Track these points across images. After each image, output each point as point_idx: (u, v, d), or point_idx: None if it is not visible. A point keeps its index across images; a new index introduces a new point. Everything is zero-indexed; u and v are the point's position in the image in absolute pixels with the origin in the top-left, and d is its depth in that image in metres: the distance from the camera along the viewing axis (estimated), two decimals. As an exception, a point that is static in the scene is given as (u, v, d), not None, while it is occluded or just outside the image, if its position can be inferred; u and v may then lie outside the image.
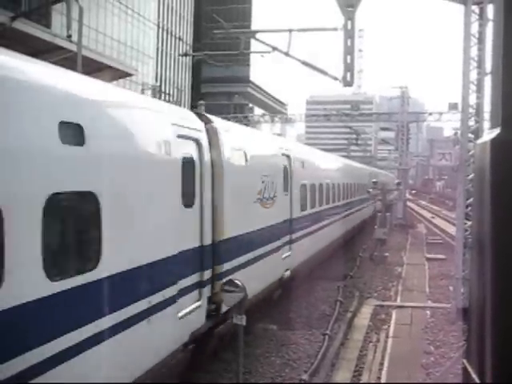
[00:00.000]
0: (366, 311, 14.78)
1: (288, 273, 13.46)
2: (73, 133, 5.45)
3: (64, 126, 5.32)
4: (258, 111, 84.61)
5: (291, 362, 10.59)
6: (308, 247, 15.76)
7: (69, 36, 18.28)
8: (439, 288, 18.00)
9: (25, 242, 4.85)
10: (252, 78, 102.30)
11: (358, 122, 55.55)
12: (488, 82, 15.53)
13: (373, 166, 56.55)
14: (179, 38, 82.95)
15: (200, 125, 8.97)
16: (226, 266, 9.11)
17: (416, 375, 10.06)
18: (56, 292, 5.11)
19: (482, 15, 13.73)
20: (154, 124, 7.48)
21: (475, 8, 13.70)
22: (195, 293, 8.15)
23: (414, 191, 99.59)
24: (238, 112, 54.47)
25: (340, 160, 27.94)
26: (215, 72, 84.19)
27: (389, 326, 13.30)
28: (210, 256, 8.65)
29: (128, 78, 30.03)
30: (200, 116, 9.36)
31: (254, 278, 10.45)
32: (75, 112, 5.64)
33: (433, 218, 48.51)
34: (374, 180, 29.84)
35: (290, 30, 15.65)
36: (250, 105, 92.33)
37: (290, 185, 13.76)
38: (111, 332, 5.88)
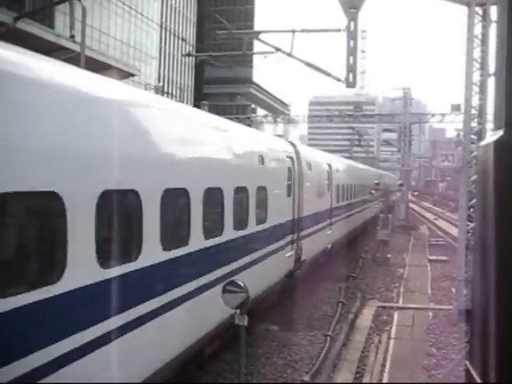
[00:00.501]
0: (368, 312, 14.75)
1: (330, 245, 19.20)
2: (260, 159, 11.46)
3: (261, 156, 11.62)
4: (260, 112, 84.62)
5: (293, 363, 10.59)
6: (341, 228, 21.78)
7: (72, 36, 18.32)
8: (441, 290, 17.98)
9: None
10: (255, 78, 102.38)
11: (361, 123, 55.55)
12: (491, 83, 15.52)
13: (375, 167, 56.48)
14: (182, 39, 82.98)
15: (292, 148, 14.85)
16: (302, 233, 14.81)
17: (418, 377, 10.06)
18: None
19: (485, 17, 13.72)
20: (279, 151, 13.72)
21: (478, 9, 13.70)
22: (290, 246, 13.85)
23: (416, 193, 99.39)
24: (240, 113, 54.47)
25: (357, 165, 34.31)
26: (218, 73, 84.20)
27: (391, 328, 13.29)
28: (296, 226, 14.27)
29: (131, 78, 30.05)
30: (291, 143, 15.55)
31: (315, 244, 16.58)
32: (263, 148, 12.26)
33: (435, 219, 48.44)
34: (377, 181, 29.82)
35: (293, 31, 15.66)
36: (253, 105, 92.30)
37: (331, 184, 19.59)
38: (263, 256, 11.23)
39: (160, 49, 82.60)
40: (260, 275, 10.99)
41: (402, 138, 41.73)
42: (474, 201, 13.95)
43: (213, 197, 8.51)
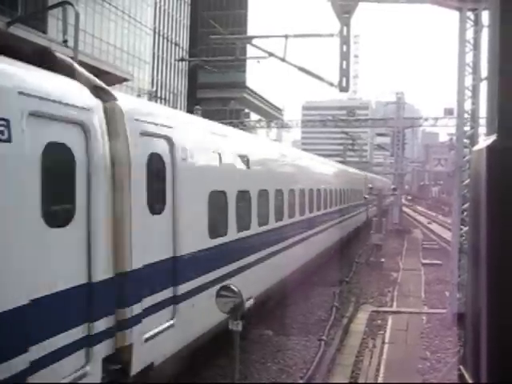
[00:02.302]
0: (362, 317, 14.75)
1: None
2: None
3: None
4: (253, 117, 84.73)
5: (287, 368, 10.57)
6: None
7: (65, 41, 18.20)
8: (435, 293, 18.01)
9: None
10: (248, 83, 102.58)
11: (354, 127, 55.69)
12: (483, 87, 15.60)
13: (368, 171, 56.62)
14: (175, 44, 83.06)
15: (365, 174, 31.39)
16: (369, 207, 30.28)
17: (412, 380, 10.05)
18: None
19: (477, 21, 13.79)
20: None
21: (470, 14, 13.77)
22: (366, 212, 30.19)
23: (410, 197, 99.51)
24: (234, 117, 54.49)
25: (351, 170, 35.14)
26: (211, 77, 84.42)
27: (385, 332, 13.29)
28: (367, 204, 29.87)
29: (124, 83, 30.00)
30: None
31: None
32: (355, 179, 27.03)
33: (429, 223, 48.58)
34: (370, 186, 29.88)
35: (286, 36, 15.70)
36: (246, 110, 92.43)
37: (365, 190, 27.06)
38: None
39: (153, 54, 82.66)
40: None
41: (395, 143, 41.87)
42: (467, 205, 14.02)
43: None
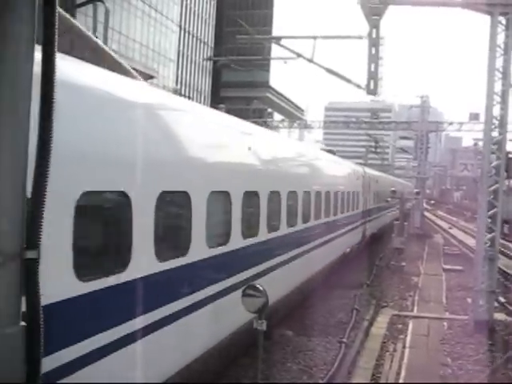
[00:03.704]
0: (383, 320, 14.69)
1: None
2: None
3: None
4: (277, 116, 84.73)
5: (308, 369, 10.58)
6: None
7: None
8: (456, 300, 17.88)
9: None
10: (271, 83, 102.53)
11: (377, 129, 55.41)
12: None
13: (390, 174, 56.29)
14: (201, 42, 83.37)
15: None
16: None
17: (433, 387, 10.01)
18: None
19: (508, 26, 13.67)
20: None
21: (502, 19, 13.65)
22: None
23: (433, 201, 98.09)
24: (257, 116, 54.56)
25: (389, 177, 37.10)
26: (235, 76, 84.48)
27: (405, 336, 13.22)
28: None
29: (149, 80, 30.23)
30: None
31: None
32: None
33: (450, 228, 48.15)
34: (393, 189, 29.75)
35: (315, 37, 15.69)
36: (269, 110, 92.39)
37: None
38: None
39: (178, 52, 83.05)
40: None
41: (418, 146, 41.56)
42: (493, 211, 13.90)
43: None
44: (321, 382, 9.72)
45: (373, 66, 14.03)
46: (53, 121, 2.41)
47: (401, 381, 10.22)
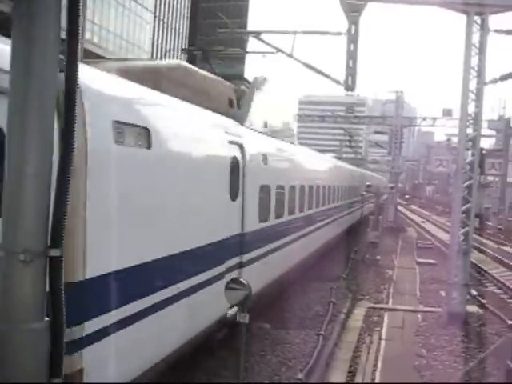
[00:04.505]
0: (359, 313, 14.95)
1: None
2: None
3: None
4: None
5: (286, 361, 10.72)
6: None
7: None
8: (430, 292, 18.23)
9: None
10: (246, 75, 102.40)
11: (352, 124, 55.86)
12: (487, 91, 15.79)
13: (363, 168, 56.81)
14: (175, 33, 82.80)
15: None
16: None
17: (409, 377, 10.24)
18: None
19: (483, 26, 13.95)
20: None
21: (477, 18, 13.91)
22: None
23: (407, 196, 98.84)
24: (232, 110, 54.40)
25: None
26: (209, 68, 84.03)
27: (381, 328, 13.48)
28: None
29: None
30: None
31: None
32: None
33: (422, 222, 48.93)
34: (368, 183, 30.08)
35: (295, 32, 15.80)
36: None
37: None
38: None
39: (152, 43, 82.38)
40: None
41: (392, 141, 42.07)
42: (467, 206, 14.22)
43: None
44: (300, 374, 9.85)
45: (351, 62, 14.18)
46: (75, 126, 2.48)
47: (378, 371, 10.44)
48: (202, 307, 8.06)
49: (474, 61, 13.99)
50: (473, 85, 14.09)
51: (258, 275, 10.81)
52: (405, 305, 16.06)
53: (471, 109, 14.18)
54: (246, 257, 10.13)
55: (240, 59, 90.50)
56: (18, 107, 2.34)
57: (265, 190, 11.48)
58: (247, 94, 13.00)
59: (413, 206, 78.97)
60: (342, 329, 13.28)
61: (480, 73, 14.03)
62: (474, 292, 16.71)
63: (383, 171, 60.42)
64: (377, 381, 10.03)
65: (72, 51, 2.53)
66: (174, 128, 7.42)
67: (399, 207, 51.31)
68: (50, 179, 2.39)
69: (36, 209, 2.33)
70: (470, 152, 14.52)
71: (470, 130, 14.30)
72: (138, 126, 6.08)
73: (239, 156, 9.76)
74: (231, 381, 8.52)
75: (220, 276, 8.64)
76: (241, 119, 11.03)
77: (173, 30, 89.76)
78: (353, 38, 14.06)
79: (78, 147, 2.89)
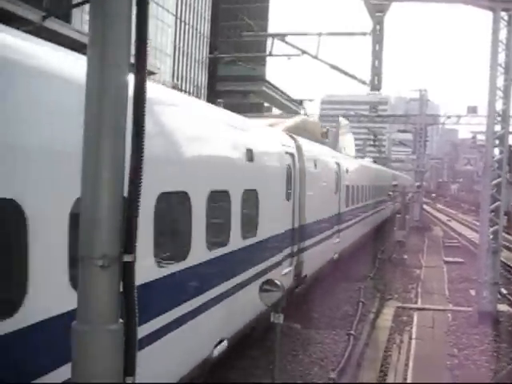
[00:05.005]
0: (388, 312, 14.94)
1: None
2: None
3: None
4: (275, 110, 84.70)
5: (318, 361, 10.79)
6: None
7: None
8: (459, 291, 18.12)
9: None
10: (267, 76, 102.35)
11: (376, 122, 55.58)
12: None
13: (387, 167, 56.47)
14: (196, 36, 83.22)
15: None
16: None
17: (441, 376, 10.22)
18: None
19: (510, 22, 13.84)
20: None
21: (504, 15, 13.81)
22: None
23: (433, 195, 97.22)
24: (254, 111, 54.58)
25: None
26: (230, 70, 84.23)
27: (411, 328, 13.46)
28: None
29: (151, 76, 30.37)
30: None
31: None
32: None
33: (449, 220, 48.47)
34: (395, 182, 29.97)
35: (320, 34, 15.85)
36: (266, 104, 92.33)
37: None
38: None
39: (174, 46, 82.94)
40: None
41: (417, 139, 41.73)
42: (496, 204, 14.12)
43: None
44: (332, 373, 9.91)
45: (377, 62, 14.17)
46: (144, 133, 2.60)
47: (409, 371, 10.44)
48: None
49: (501, 57, 13.89)
50: (500, 82, 13.99)
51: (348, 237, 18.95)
52: (434, 304, 15.99)
53: (499, 106, 14.08)
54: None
55: (261, 61, 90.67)
56: (92, 120, 2.48)
57: (351, 188, 19.74)
58: (334, 131, 22.92)
59: (438, 205, 78.18)
60: (372, 328, 13.30)
61: (508, 69, 13.92)
62: (504, 291, 16.57)
63: (407, 170, 59.95)
64: (409, 380, 10.03)
65: (141, 57, 2.65)
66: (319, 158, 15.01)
67: (424, 206, 50.88)
68: (122, 188, 2.52)
69: (111, 217, 2.47)
70: (497, 149, 14.41)
71: (497, 128, 14.19)
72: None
73: (338, 170, 17.35)
74: (265, 380, 8.62)
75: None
76: (334, 147, 20.58)
77: (195, 32, 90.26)
78: (378, 38, 14.06)
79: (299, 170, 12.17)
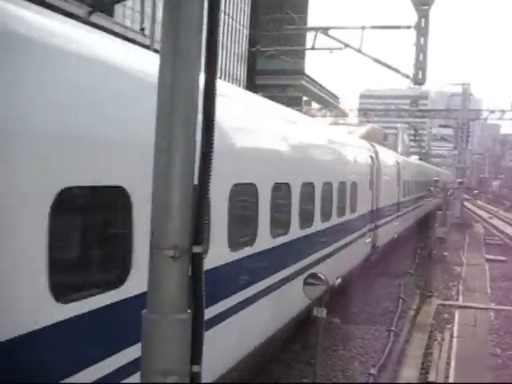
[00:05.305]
0: (429, 310, 14.79)
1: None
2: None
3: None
4: (313, 104, 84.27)
5: (359, 356, 10.77)
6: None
7: (142, 29, 18.80)
8: (501, 290, 17.83)
9: None
10: (306, 70, 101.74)
11: (416, 117, 54.71)
12: None
13: (427, 162, 55.68)
14: (237, 29, 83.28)
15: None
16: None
17: (484, 375, 10.08)
18: None
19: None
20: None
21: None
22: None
23: (475, 191, 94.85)
24: (293, 104, 54.44)
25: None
26: (269, 64, 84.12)
27: (453, 326, 13.29)
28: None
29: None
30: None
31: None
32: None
33: (490, 218, 47.54)
34: (436, 178, 29.57)
35: (363, 27, 15.71)
36: (305, 98, 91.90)
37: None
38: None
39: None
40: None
41: (459, 135, 40.95)
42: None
43: None
44: (372, 369, 9.89)
45: (421, 55, 13.98)
46: (214, 128, 2.67)
47: (451, 370, 10.33)
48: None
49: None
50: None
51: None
52: (476, 302, 15.75)
53: (548, 101, 13.73)
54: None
55: (300, 54, 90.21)
56: (164, 114, 2.56)
57: (406, 182, 23.57)
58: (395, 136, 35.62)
59: (479, 202, 76.67)
60: (412, 325, 13.19)
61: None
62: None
63: (447, 165, 58.95)
64: (451, 379, 9.93)
65: (211, 51, 2.69)
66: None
67: (465, 203, 50.03)
68: (192, 180, 2.60)
69: (182, 209, 2.55)
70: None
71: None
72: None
73: (398, 167, 21.40)
74: (307, 374, 8.68)
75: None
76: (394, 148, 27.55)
77: (235, 25, 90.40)
78: (423, 32, 13.87)
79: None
